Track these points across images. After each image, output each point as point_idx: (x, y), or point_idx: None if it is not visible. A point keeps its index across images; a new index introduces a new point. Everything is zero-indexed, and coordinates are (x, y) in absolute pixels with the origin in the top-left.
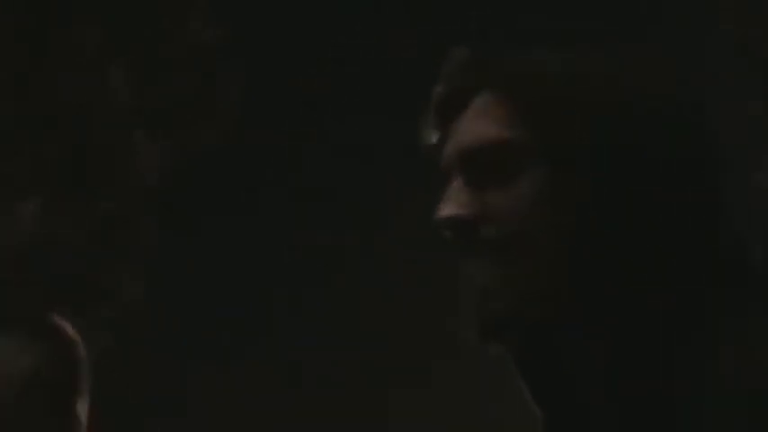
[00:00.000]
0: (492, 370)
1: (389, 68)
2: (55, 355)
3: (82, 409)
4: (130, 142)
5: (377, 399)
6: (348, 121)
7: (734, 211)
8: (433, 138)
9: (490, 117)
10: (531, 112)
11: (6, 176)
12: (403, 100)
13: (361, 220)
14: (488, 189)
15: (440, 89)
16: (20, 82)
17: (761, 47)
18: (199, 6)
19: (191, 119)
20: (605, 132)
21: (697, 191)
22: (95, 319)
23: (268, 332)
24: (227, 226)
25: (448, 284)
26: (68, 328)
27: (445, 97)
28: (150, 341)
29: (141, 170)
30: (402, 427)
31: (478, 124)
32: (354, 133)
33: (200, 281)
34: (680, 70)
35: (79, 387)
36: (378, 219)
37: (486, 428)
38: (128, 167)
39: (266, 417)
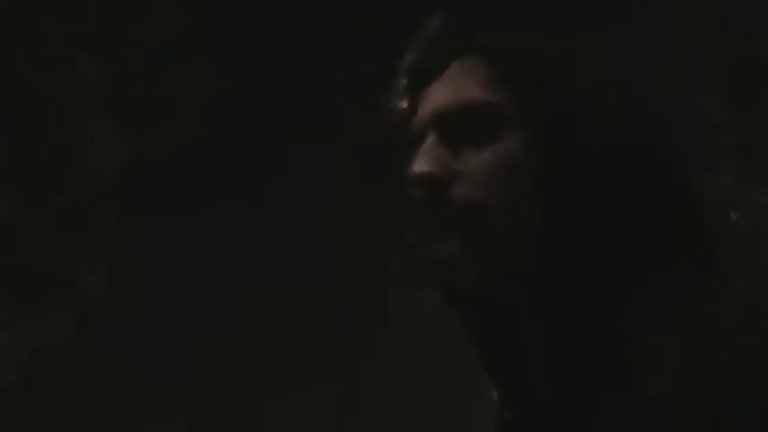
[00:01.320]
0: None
1: (355, 63)
2: None
3: None
4: (91, 137)
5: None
6: (313, 119)
7: (691, 198)
8: (404, 103)
9: (472, 79)
10: (515, 79)
11: None
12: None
13: (320, 216)
14: (463, 151)
15: (417, 54)
16: None
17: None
18: (162, 4)
19: (153, 115)
20: (584, 109)
21: (659, 179)
22: (57, 311)
23: (228, 327)
24: (188, 221)
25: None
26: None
27: (422, 62)
28: (112, 333)
29: (102, 164)
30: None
31: (459, 85)
32: (318, 130)
33: (162, 274)
34: (643, 65)
35: None
36: (338, 217)
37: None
38: (88, 161)
39: (223, 405)
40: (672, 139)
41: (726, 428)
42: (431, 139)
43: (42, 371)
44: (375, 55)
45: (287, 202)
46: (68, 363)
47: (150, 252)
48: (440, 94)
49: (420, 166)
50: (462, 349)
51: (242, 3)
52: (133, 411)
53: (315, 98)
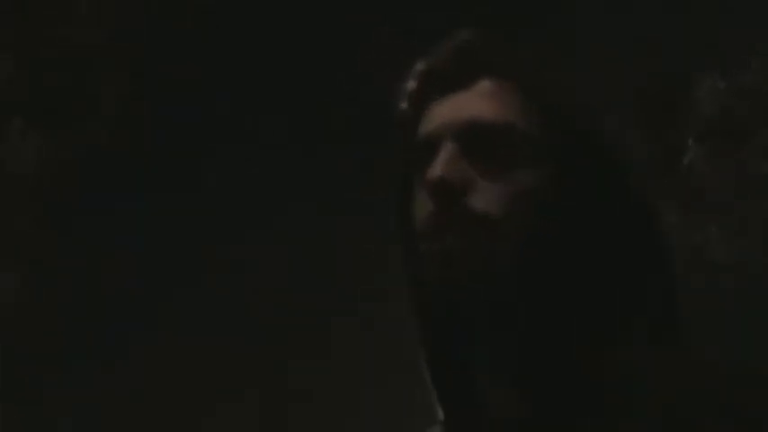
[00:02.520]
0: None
1: (283, 65)
2: None
3: None
4: (7, 136)
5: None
6: (242, 122)
7: (664, 249)
8: (412, 108)
9: (497, 101)
10: (541, 107)
11: None
12: (301, 105)
13: (252, 223)
14: (483, 166)
15: (438, 64)
16: None
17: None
18: (84, 5)
19: (72, 116)
20: (600, 141)
21: (648, 224)
22: None
23: (150, 335)
24: (112, 225)
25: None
26: None
27: (442, 73)
28: (25, 340)
29: (19, 165)
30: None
31: (487, 103)
32: (247, 135)
33: (77, 278)
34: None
35: None
36: (273, 219)
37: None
38: (7, 160)
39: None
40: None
41: None
42: (452, 147)
43: None
44: (306, 49)
45: (209, 205)
46: None
47: (65, 256)
48: (468, 107)
49: (440, 170)
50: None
51: (167, 3)
52: (40, 423)
53: (238, 97)
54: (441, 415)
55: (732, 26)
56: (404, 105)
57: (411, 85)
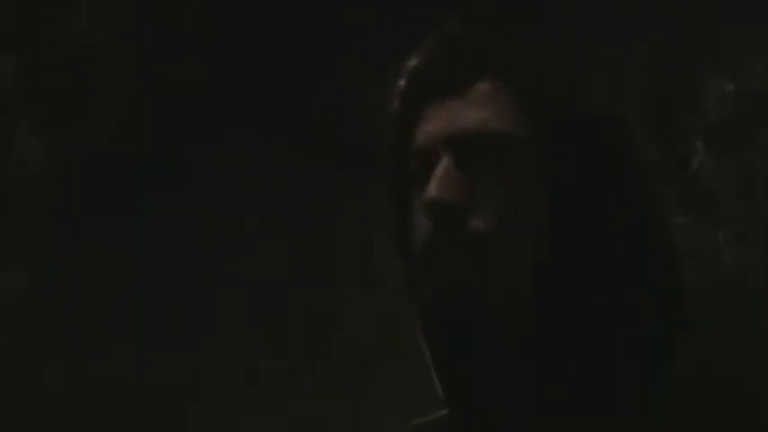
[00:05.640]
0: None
1: (283, 66)
2: None
3: None
4: (11, 135)
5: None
6: (242, 122)
7: (672, 249)
8: (404, 112)
9: (496, 107)
10: (538, 112)
11: None
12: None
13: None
14: (480, 179)
15: (430, 64)
16: None
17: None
18: (86, 4)
19: (74, 116)
20: (601, 143)
21: (654, 225)
22: None
23: (153, 332)
24: (112, 225)
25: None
26: None
27: (435, 74)
28: (25, 340)
29: (23, 164)
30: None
31: (483, 111)
32: (248, 135)
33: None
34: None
35: None
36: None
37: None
38: (9, 160)
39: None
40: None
41: None
42: (447, 160)
43: None
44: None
45: (209, 204)
46: None
47: (65, 256)
48: (464, 116)
49: (439, 191)
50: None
51: (166, 3)
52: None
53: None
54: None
55: (739, 28)
56: (394, 107)
57: (402, 85)
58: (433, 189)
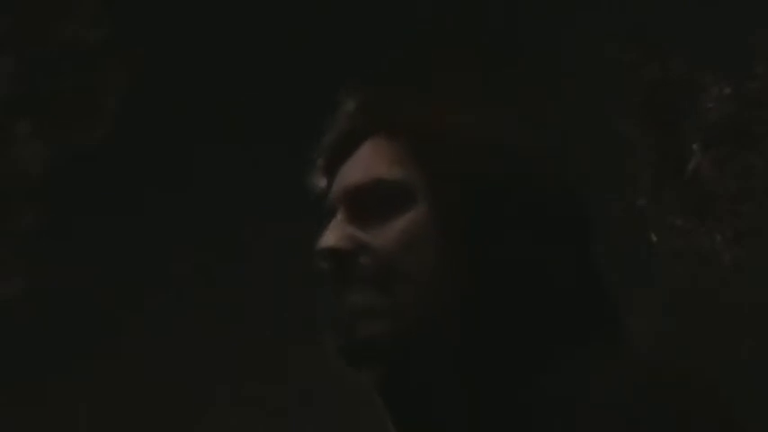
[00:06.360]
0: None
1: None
2: None
3: None
4: (11, 134)
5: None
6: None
7: (596, 272)
8: (322, 181)
9: (381, 157)
10: (421, 156)
11: None
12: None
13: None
14: (370, 225)
15: (333, 134)
16: None
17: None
18: (84, 6)
19: (72, 115)
20: (485, 182)
21: (564, 236)
22: None
23: (150, 334)
24: (108, 223)
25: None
26: None
27: (338, 141)
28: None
29: (22, 163)
30: None
31: (369, 163)
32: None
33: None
34: (548, 118)
35: None
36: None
37: None
38: (7, 159)
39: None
40: (582, 209)
41: None
42: (340, 215)
43: None
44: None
45: (209, 204)
46: None
47: (69, 254)
48: (350, 173)
49: (325, 242)
50: None
51: (163, 5)
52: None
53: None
54: None
55: (737, 32)
56: (319, 182)
57: (320, 162)
58: (320, 241)
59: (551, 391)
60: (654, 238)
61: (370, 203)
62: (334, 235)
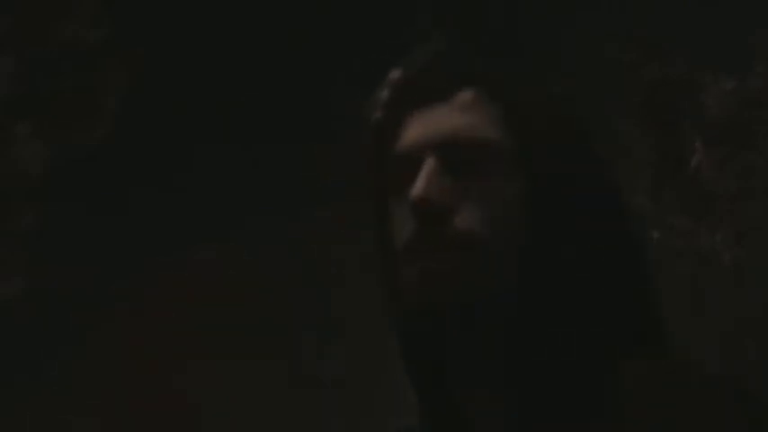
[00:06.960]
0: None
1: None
2: None
3: None
4: (10, 134)
5: None
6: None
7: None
8: (387, 117)
9: (478, 114)
10: (518, 120)
11: None
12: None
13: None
14: (463, 182)
15: (415, 74)
16: None
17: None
18: (84, 6)
19: (72, 116)
20: (576, 152)
21: (626, 226)
22: None
23: (150, 334)
24: (108, 223)
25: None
26: None
27: (419, 83)
28: (29, 335)
29: (22, 163)
30: None
31: (466, 118)
32: (248, 135)
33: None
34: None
35: None
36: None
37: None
38: (7, 159)
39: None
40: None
41: None
42: (432, 163)
43: None
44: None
45: (209, 204)
46: None
47: (69, 254)
48: (448, 121)
49: (424, 191)
50: None
51: (163, 5)
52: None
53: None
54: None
55: (737, 32)
56: (378, 115)
57: (386, 94)
58: (418, 189)
59: (608, 387)
60: (656, 236)
61: (465, 159)
62: (431, 185)
